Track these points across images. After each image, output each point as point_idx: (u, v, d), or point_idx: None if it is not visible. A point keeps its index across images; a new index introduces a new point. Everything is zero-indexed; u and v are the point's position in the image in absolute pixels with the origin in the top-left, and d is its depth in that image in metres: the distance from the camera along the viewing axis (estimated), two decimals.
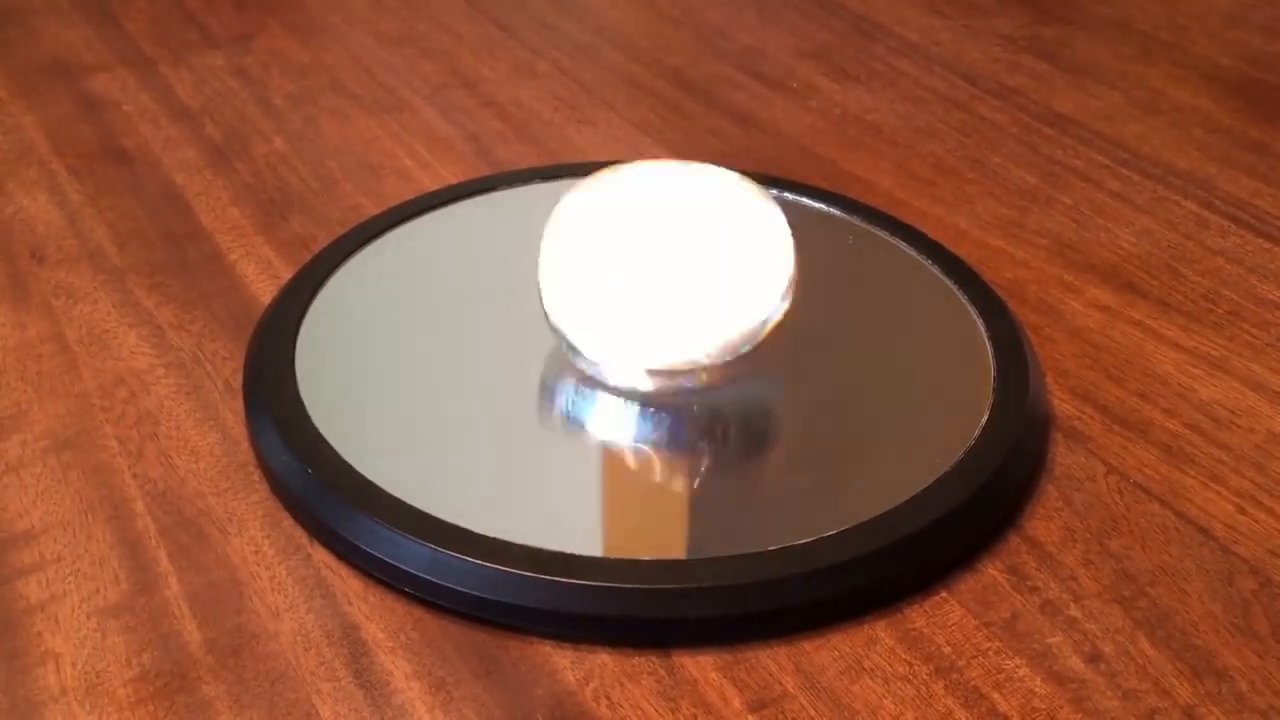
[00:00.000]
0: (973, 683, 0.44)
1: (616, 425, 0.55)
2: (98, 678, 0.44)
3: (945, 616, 0.47)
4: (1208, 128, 0.80)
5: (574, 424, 0.56)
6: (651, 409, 0.54)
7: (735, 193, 0.54)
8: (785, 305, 0.53)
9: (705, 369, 0.52)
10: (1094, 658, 0.45)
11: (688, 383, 0.52)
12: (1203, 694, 0.44)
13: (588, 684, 0.44)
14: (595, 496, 0.52)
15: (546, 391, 0.57)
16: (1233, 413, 0.56)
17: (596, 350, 0.53)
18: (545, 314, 0.54)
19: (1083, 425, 0.56)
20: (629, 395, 0.54)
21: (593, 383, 0.55)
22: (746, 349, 0.52)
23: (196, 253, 0.67)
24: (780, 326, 0.53)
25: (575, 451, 0.55)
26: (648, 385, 0.53)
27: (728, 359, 0.52)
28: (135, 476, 0.53)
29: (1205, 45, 0.91)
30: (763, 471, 0.54)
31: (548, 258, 0.53)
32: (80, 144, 0.78)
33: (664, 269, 0.51)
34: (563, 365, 0.56)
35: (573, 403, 0.56)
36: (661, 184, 0.54)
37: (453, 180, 0.73)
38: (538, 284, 0.54)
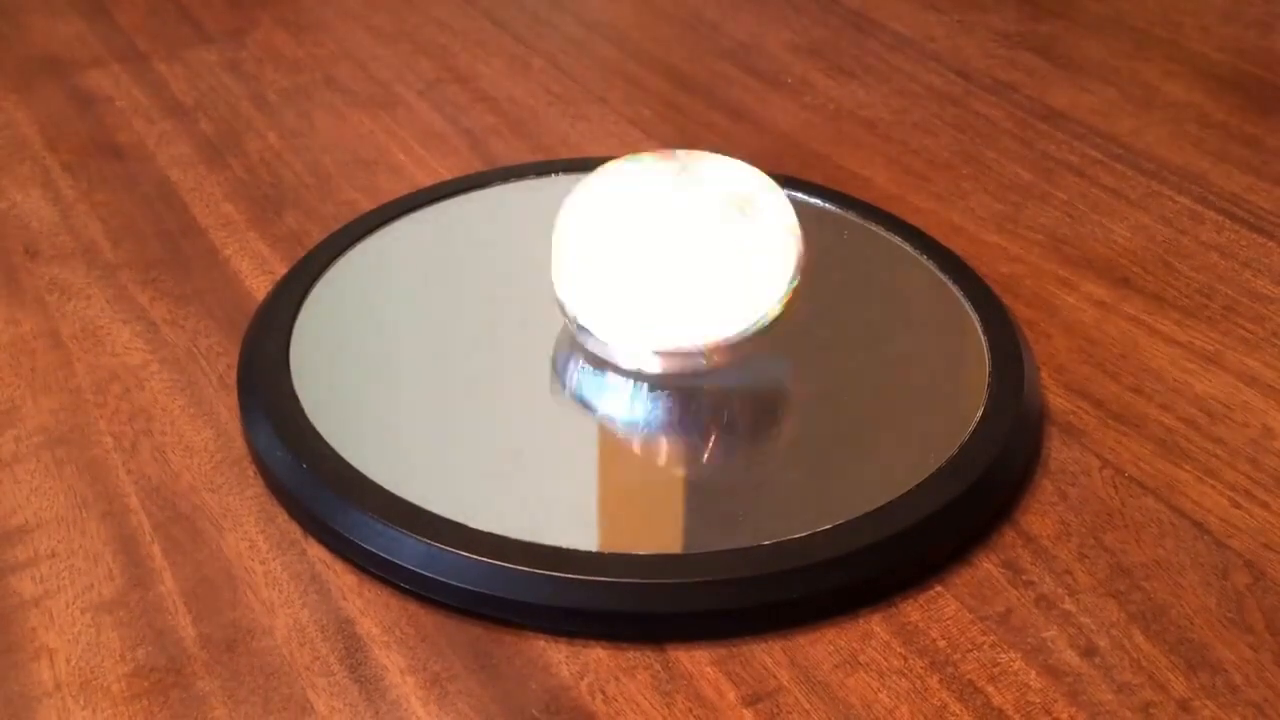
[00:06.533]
0: (968, 676, 0.44)
1: (611, 422, 0.55)
2: (92, 673, 0.44)
3: (940, 610, 0.47)
4: (1202, 123, 0.80)
5: (569, 420, 0.55)
6: (646, 407, 0.54)
7: (742, 179, 0.54)
8: (792, 285, 0.53)
9: (712, 351, 0.52)
10: (1089, 651, 0.45)
11: (692, 364, 0.52)
12: (1197, 687, 0.44)
13: (583, 678, 0.44)
14: (590, 492, 0.52)
15: (542, 387, 0.56)
16: (1227, 407, 0.57)
17: (605, 328, 0.52)
18: (557, 297, 0.54)
19: (1077, 420, 0.56)
20: (627, 391, 0.54)
21: (589, 380, 0.55)
22: (758, 324, 0.52)
23: (190, 248, 0.67)
24: (777, 322, 0.53)
25: (570, 447, 0.55)
26: (654, 366, 0.52)
27: (735, 338, 0.52)
28: (129, 472, 0.53)
29: (1199, 41, 0.91)
30: (758, 466, 0.54)
31: (561, 242, 0.53)
32: (73, 139, 0.78)
33: (672, 255, 0.51)
34: (558, 362, 0.56)
35: (569, 398, 0.56)
36: (670, 173, 0.54)
37: (447, 175, 0.73)
38: (547, 269, 0.53)
